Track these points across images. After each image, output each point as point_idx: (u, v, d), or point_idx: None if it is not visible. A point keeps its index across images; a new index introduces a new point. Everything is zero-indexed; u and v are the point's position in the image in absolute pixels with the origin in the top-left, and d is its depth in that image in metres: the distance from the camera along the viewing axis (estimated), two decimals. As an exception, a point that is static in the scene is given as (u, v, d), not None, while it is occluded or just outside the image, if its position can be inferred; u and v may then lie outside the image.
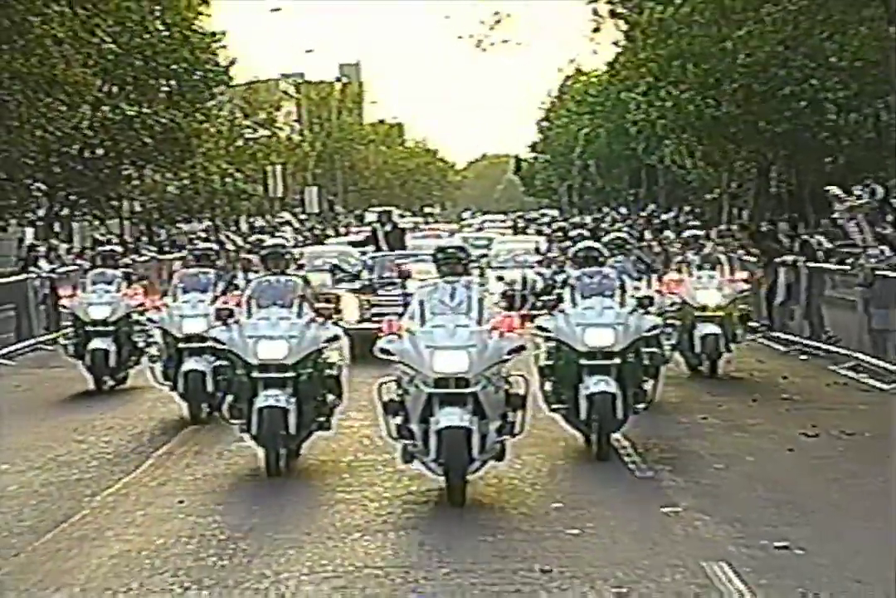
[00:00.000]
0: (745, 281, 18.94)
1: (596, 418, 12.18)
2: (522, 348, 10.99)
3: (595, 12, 37.57)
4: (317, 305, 12.73)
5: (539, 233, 46.60)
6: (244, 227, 61.56)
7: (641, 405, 12.64)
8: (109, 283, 18.57)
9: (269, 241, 15.50)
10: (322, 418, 12.45)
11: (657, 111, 37.31)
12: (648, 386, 12.96)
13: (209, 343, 13.94)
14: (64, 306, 19.22)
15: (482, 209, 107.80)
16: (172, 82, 39.38)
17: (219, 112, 45.26)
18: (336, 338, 12.57)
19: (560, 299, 12.99)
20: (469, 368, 10.63)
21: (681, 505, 10.34)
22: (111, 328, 17.94)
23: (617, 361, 12.40)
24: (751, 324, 19.62)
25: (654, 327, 12.87)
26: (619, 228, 39.46)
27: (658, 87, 34.88)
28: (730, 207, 45.54)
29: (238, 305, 12.82)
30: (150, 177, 45.97)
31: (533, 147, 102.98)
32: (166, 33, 38.08)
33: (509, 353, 10.88)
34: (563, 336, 12.59)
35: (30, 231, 42.65)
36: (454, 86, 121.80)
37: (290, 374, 12.06)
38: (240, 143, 59.14)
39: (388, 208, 33.13)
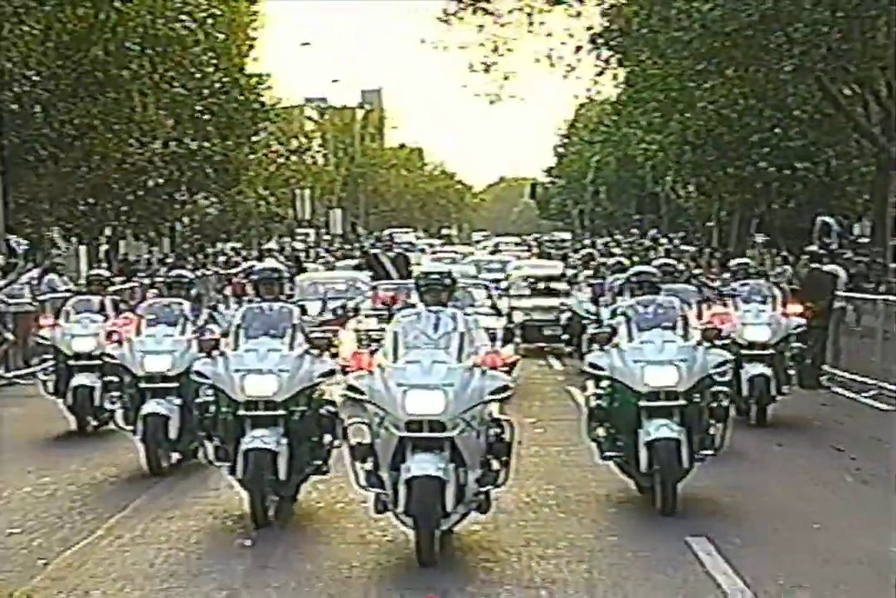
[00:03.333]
0: (801, 315, 17.58)
1: (658, 468, 11.38)
2: (507, 387, 10.34)
3: (598, 57, 44.12)
4: (313, 335, 12.11)
5: (548, 256, 52.32)
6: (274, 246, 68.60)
7: (709, 452, 11.84)
8: (95, 311, 17.29)
9: (261, 264, 14.43)
10: (318, 462, 11.79)
11: (651, 151, 44.31)
12: (715, 430, 11.95)
13: (174, 384, 13.77)
14: (43, 337, 17.58)
15: (496, 232, 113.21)
16: (223, 119, 46.30)
17: (265, 144, 51.95)
18: (332, 372, 11.93)
19: (614, 331, 12.21)
20: (445, 409, 9.97)
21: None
22: (96, 362, 16.09)
23: (681, 402, 11.57)
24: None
25: (724, 363, 11.97)
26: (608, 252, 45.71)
27: (649, 131, 41.69)
28: (719, 234, 52.45)
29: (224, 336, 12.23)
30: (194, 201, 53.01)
31: (549, 172, 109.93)
32: (219, 76, 44.95)
33: (493, 393, 10.23)
34: (618, 375, 11.75)
35: (83, 249, 49.73)
36: (473, 109, 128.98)
37: (281, 412, 11.40)
38: (272, 168, 66.13)
39: (393, 231, 32.21)
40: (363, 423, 10.40)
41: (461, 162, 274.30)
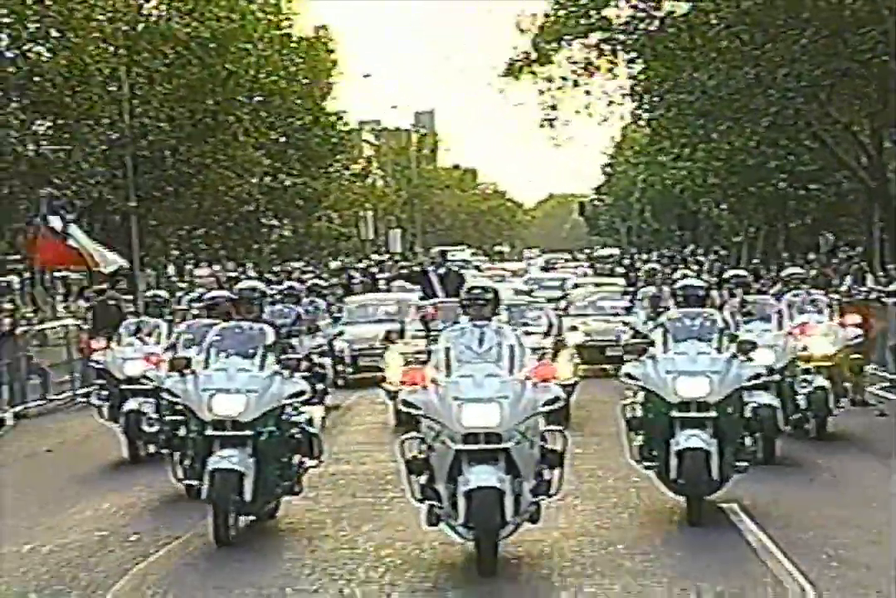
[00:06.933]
0: (859, 326, 17.64)
1: (686, 478, 11.85)
2: (559, 398, 10.78)
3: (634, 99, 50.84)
4: (284, 356, 12.35)
5: (595, 271, 58.41)
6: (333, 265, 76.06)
7: (743, 464, 12.31)
8: (149, 334, 17.53)
9: (241, 283, 14.44)
10: (288, 482, 12.19)
11: (680, 176, 51.82)
12: (751, 442, 12.59)
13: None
14: (96, 361, 17.90)
15: (549, 248, 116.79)
16: (305, 152, 53.94)
17: (337, 173, 59.66)
18: (302, 393, 12.18)
19: (651, 342, 12.76)
20: (500, 422, 10.41)
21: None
22: (149, 387, 15.53)
23: (713, 413, 12.02)
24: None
25: (757, 376, 12.39)
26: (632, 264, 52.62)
27: (676, 160, 49.07)
28: (748, 249, 59.75)
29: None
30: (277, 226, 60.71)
31: (597, 190, 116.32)
32: (305, 117, 52.63)
33: (545, 405, 10.66)
34: (652, 385, 12.27)
35: (171, 269, 57.57)
36: (522, 127, 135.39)
37: (248, 432, 11.68)
38: (338, 192, 73.69)
39: (444, 248, 31.36)
40: (417, 437, 10.82)
41: (511, 179, 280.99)
